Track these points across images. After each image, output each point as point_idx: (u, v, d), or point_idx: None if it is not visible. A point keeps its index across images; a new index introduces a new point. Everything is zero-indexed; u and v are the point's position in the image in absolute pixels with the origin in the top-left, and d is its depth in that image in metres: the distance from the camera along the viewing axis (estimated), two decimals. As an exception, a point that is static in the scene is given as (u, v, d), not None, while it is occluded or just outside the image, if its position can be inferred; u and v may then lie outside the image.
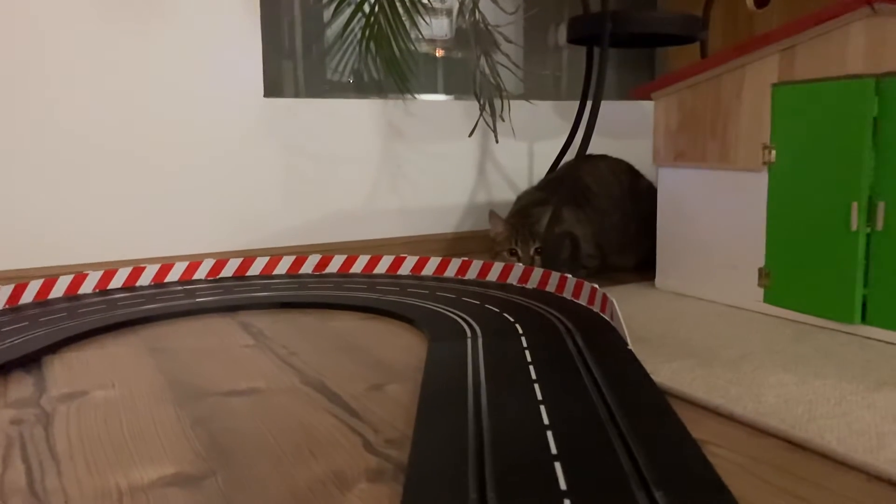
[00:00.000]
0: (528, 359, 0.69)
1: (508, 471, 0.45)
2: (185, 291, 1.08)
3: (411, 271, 1.19)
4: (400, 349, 0.81)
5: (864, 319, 0.83)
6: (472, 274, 1.15)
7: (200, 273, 1.18)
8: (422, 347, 0.80)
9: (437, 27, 1.54)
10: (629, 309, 0.97)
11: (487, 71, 1.35)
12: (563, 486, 0.43)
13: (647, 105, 1.12)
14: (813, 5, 0.84)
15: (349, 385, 0.69)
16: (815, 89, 0.86)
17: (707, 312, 0.96)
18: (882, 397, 0.63)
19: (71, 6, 1.16)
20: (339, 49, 1.32)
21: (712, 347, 0.79)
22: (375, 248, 1.41)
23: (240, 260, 1.20)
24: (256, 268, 1.20)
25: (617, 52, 1.80)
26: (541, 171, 1.48)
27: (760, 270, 0.95)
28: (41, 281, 1.06)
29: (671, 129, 1.07)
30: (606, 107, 1.25)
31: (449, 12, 1.55)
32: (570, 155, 1.35)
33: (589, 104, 1.23)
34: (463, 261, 1.16)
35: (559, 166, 1.39)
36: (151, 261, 1.21)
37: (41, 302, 1.04)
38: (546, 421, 0.53)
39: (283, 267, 1.21)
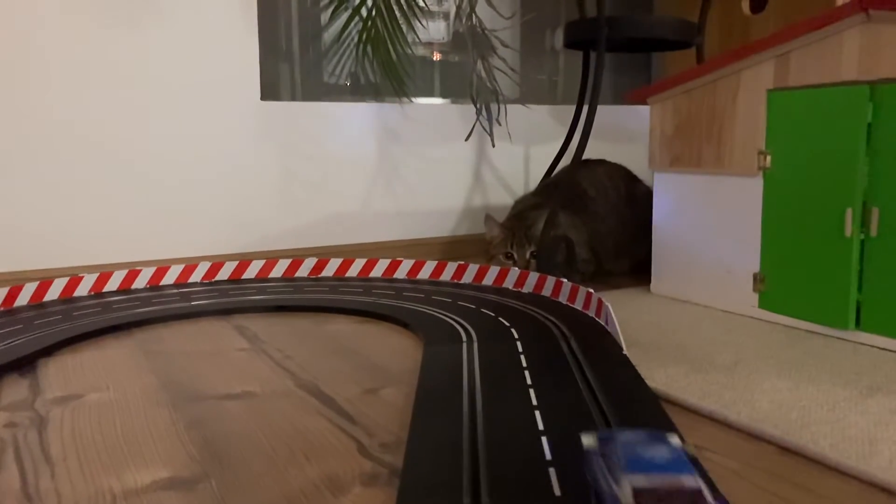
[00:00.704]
0: (524, 363, 0.69)
1: (503, 476, 0.45)
2: (180, 294, 1.08)
3: (407, 275, 1.19)
4: (395, 353, 0.81)
5: (858, 325, 0.84)
6: (467, 278, 1.15)
7: (196, 276, 1.17)
8: (417, 351, 0.80)
9: (433, 31, 1.54)
10: (624, 314, 0.97)
11: (484, 75, 1.35)
12: (557, 491, 0.43)
13: (644, 110, 1.13)
14: (808, 11, 0.84)
15: (344, 389, 0.69)
16: (810, 95, 0.87)
17: (702, 317, 0.96)
18: (875, 403, 0.63)
19: (68, 8, 1.16)
20: (335, 52, 1.32)
21: (707, 352, 0.79)
22: (371, 252, 1.41)
23: (235, 263, 1.20)
24: (252, 271, 1.20)
25: (613, 57, 1.80)
26: (537, 175, 1.49)
27: (755, 276, 0.95)
28: (36, 283, 1.06)
29: (667, 133, 1.08)
30: (602, 111, 1.26)
31: (446, 16, 1.55)
32: (566, 159, 1.36)
33: (585, 108, 1.23)
34: (459, 265, 1.16)
35: (557, 171, 1.39)
36: (147, 263, 1.21)
37: (36, 304, 1.04)
38: (541, 426, 0.53)
39: (278, 270, 1.21)
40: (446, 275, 1.17)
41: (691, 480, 0.36)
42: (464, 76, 1.53)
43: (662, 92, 1.07)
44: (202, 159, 1.29)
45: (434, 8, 1.51)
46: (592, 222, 1.26)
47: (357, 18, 1.22)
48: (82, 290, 1.10)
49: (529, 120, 1.59)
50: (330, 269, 1.22)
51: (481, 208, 1.55)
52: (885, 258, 0.81)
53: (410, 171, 1.48)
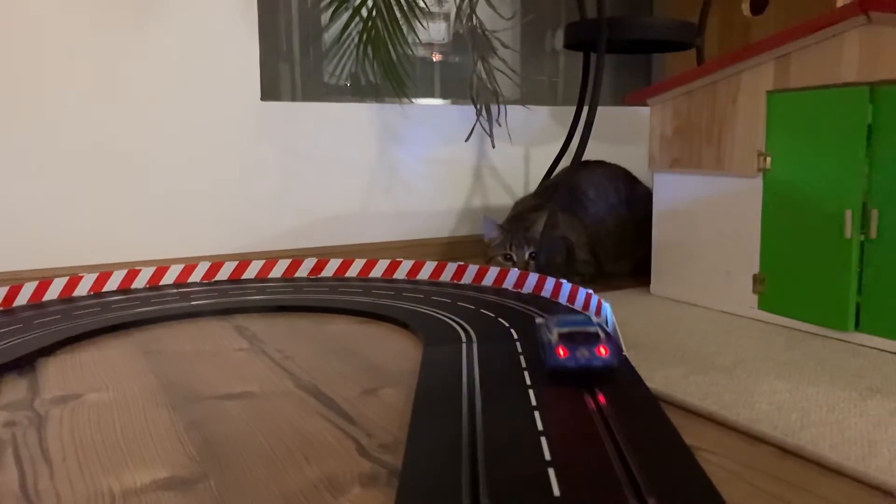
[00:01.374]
0: (523, 364, 0.69)
1: (502, 476, 0.45)
2: (180, 294, 1.08)
3: (407, 275, 1.19)
4: (395, 353, 0.81)
5: (857, 327, 0.84)
6: (467, 278, 1.15)
7: (196, 276, 1.17)
8: (417, 352, 0.80)
9: (434, 31, 1.54)
10: (624, 315, 0.97)
11: (484, 75, 1.35)
12: (556, 492, 0.43)
13: (643, 111, 1.13)
14: (809, 13, 0.84)
15: (343, 389, 0.69)
16: (810, 97, 0.87)
17: (701, 318, 0.96)
18: (875, 405, 0.63)
19: (69, 9, 1.16)
20: (336, 52, 1.32)
21: (706, 354, 0.79)
22: (371, 253, 1.41)
23: (235, 263, 1.20)
24: (252, 271, 1.20)
25: (613, 58, 1.80)
26: (537, 176, 1.49)
27: (755, 277, 0.95)
28: (36, 283, 1.06)
29: (667, 135, 1.08)
30: (602, 112, 1.26)
31: (446, 17, 1.55)
32: (566, 160, 1.36)
33: (585, 109, 1.23)
34: (458, 265, 1.16)
35: (557, 172, 1.39)
36: (146, 263, 1.21)
37: (36, 304, 1.04)
38: (540, 427, 0.53)
39: (278, 270, 1.21)
40: (446, 275, 1.17)
41: (593, 328, 0.64)
42: (464, 77, 1.53)
43: (662, 93, 1.07)
44: (202, 159, 1.29)
45: (434, 9, 1.51)
46: (592, 223, 1.26)
47: (357, 19, 1.22)
48: (82, 289, 1.10)
49: (529, 121, 1.59)
50: (330, 270, 1.22)
51: (481, 209, 1.55)
52: (884, 260, 0.81)
53: (410, 172, 1.48)
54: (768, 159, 0.92)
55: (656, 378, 0.70)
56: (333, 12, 1.24)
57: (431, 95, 1.57)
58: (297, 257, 1.23)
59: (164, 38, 1.24)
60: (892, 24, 0.78)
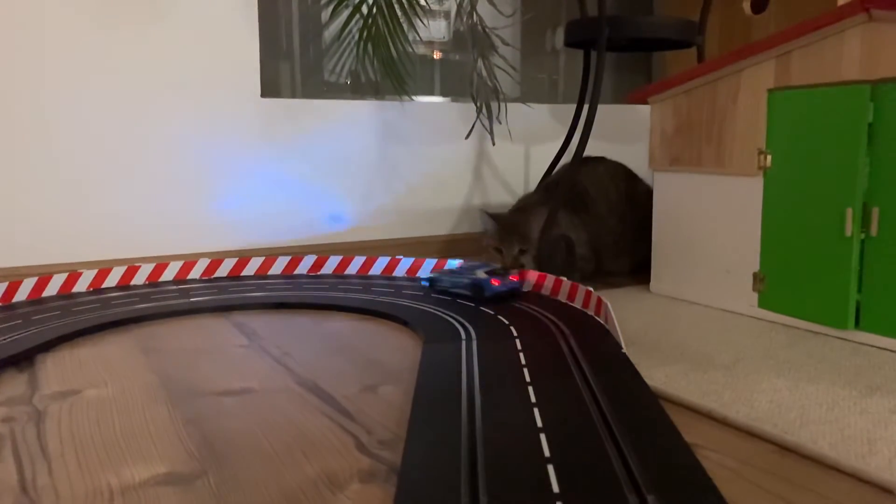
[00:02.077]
0: (523, 361, 0.69)
1: (501, 473, 0.45)
2: (179, 291, 1.08)
3: (406, 273, 1.19)
4: (394, 350, 0.81)
5: (857, 325, 0.83)
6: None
7: (195, 273, 1.17)
8: (416, 349, 0.80)
9: (434, 29, 1.54)
10: (624, 313, 0.97)
11: (484, 73, 1.35)
12: (555, 488, 0.43)
13: (644, 109, 1.13)
14: (809, 11, 0.84)
15: (343, 386, 0.69)
16: (810, 95, 0.87)
17: (701, 317, 0.96)
18: (874, 403, 0.63)
19: (69, 6, 1.16)
20: (336, 50, 1.32)
21: (706, 352, 0.79)
22: (371, 250, 1.41)
23: (235, 260, 1.19)
24: (251, 268, 1.20)
25: (614, 56, 1.80)
26: (537, 174, 1.49)
27: (755, 275, 0.95)
28: (35, 279, 1.06)
29: (667, 133, 1.07)
30: (603, 110, 1.26)
31: (447, 14, 1.55)
32: (566, 158, 1.36)
33: (586, 108, 1.23)
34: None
35: (557, 169, 1.39)
36: (146, 260, 1.21)
37: (35, 300, 1.04)
38: (539, 423, 0.53)
39: (277, 267, 1.21)
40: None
41: (497, 266, 1.01)
42: (464, 75, 1.53)
43: (663, 91, 1.07)
44: (202, 156, 1.29)
45: (435, 6, 1.50)
46: (592, 221, 1.26)
47: (358, 16, 1.22)
48: (81, 286, 1.10)
49: (530, 119, 1.58)
50: (329, 267, 1.22)
51: (481, 207, 1.55)
52: (885, 258, 0.80)
53: (410, 170, 1.48)
54: (769, 157, 0.92)
55: (656, 376, 0.70)
56: (334, 9, 1.24)
57: (432, 93, 1.57)
58: (296, 254, 1.23)
59: (165, 34, 1.24)
60: (893, 22, 0.78)
